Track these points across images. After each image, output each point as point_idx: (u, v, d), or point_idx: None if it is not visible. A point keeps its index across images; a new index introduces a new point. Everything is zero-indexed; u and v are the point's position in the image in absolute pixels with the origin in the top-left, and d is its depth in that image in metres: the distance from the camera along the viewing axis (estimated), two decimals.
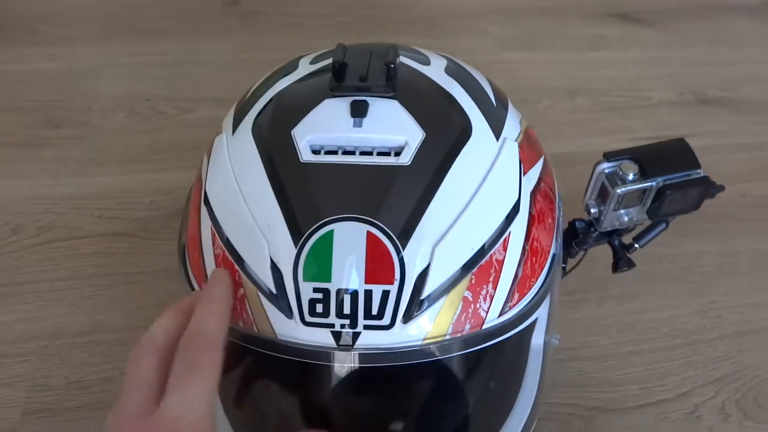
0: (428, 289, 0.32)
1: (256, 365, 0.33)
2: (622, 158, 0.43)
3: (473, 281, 0.33)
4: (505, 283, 0.34)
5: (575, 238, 0.49)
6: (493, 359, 0.39)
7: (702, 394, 0.56)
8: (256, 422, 0.39)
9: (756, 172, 0.74)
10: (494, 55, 0.88)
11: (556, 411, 0.54)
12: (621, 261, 0.50)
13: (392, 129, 0.34)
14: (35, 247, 0.63)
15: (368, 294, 0.32)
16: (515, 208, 0.35)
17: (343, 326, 0.32)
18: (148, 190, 0.68)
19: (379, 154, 0.34)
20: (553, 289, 0.41)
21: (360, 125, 0.35)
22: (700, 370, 0.58)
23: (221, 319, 0.32)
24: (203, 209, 0.37)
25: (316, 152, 0.34)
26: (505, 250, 0.34)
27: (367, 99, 0.35)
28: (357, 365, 0.33)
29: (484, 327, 0.34)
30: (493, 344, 0.34)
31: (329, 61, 0.37)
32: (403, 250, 0.32)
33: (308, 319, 0.32)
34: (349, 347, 0.32)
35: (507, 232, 0.34)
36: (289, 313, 0.33)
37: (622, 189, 0.42)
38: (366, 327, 0.32)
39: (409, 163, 0.33)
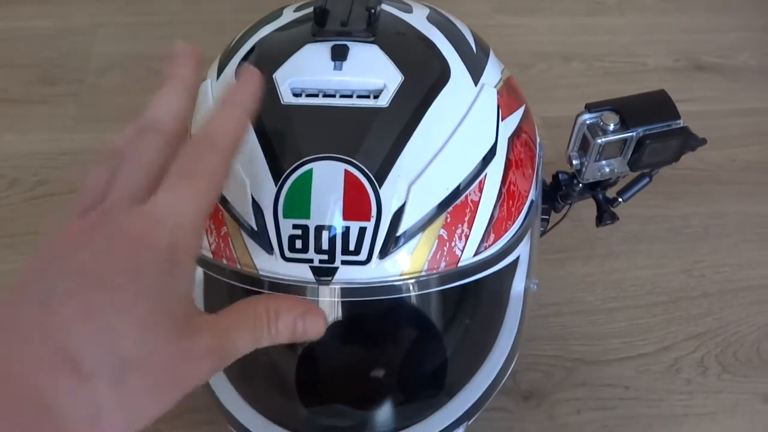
0: (404, 226, 0.33)
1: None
2: (603, 109, 0.44)
3: (448, 220, 0.34)
4: (480, 224, 0.35)
5: (559, 190, 0.50)
6: (470, 299, 0.40)
7: (682, 349, 0.57)
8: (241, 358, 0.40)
9: (746, 137, 0.75)
10: (489, 18, 0.89)
11: (539, 362, 0.56)
12: (605, 214, 0.51)
13: (371, 72, 0.35)
14: (31, 201, 0.64)
15: (346, 230, 0.33)
16: (492, 152, 0.36)
17: (321, 261, 0.33)
18: None
19: (359, 96, 0.35)
20: (533, 235, 0.42)
21: (340, 69, 0.35)
22: (682, 326, 0.59)
23: (236, 126, 0.28)
24: None
25: (297, 95, 0.35)
26: (480, 191, 0.35)
27: (348, 43, 0.36)
28: (335, 299, 0.34)
29: (460, 265, 0.35)
30: (468, 283, 0.35)
31: (312, 9, 0.38)
32: (380, 188, 0.33)
33: (288, 254, 0.33)
34: (327, 282, 0.33)
35: (483, 174, 0.35)
36: (269, 249, 0.34)
37: (603, 139, 0.43)
38: (344, 262, 0.33)
39: (387, 105, 0.34)
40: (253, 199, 0.34)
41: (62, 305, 0.24)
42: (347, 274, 0.33)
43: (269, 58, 0.37)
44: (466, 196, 0.34)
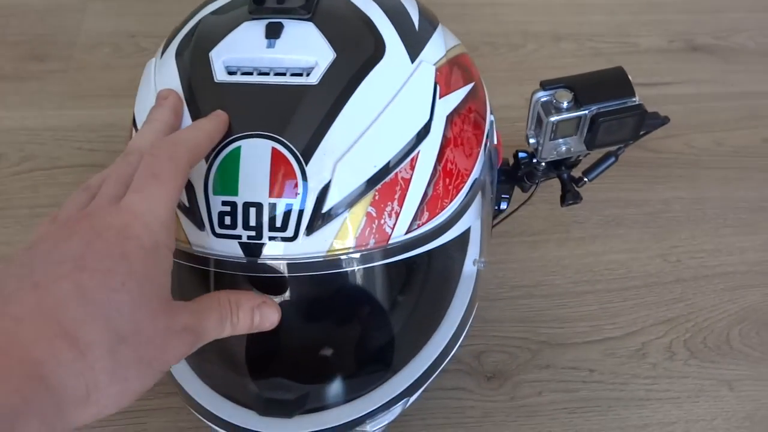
0: (330, 203, 0.33)
1: (177, 277, 0.34)
2: (557, 86, 0.43)
3: (377, 197, 0.34)
4: (412, 201, 0.35)
5: (519, 168, 0.49)
6: (413, 276, 0.40)
7: (651, 333, 0.57)
8: None
9: (736, 121, 0.73)
10: None
11: (504, 344, 0.56)
12: (568, 194, 0.50)
13: (304, 50, 0.35)
14: (16, 176, 0.66)
15: (272, 207, 0.33)
16: (426, 129, 0.36)
17: (250, 237, 0.34)
18: (128, 124, 0.70)
19: (293, 74, 0.35)
20: (483, 213, 0.42)
21: (273, 46, 0.35)
22: (652, 311, 0.58)
23: (199, 143, 0.32)
24: (132, 131, 0.38)
25: (232, 73, 0.35)
26: (412, 169, 0.35)
27: (283, 21, 0.36)
28: (264, 275, 0.34)
29: (390, 242, 0.35)
30: (400, 260, 0.36)
31: None
32: (306, 165, 0.33)
33: (218, 230, 0.34)
34: (255, 257, 0.34)
35: (416, 152, 0.35)
36: (201, 225, 0.34)
37: (555, 117, 0.43)
38: (271, 239, 0.33)
39: (317, 82, 0.34)
40: None
41: (56, 285, 0.26)
42: (275, 250, 0.34)
43: (208, 36, 0.37)
44: (396, 174, 0.34)
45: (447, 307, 0.43)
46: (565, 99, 0.42)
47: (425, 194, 0.36)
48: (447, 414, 0.51)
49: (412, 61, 0.37)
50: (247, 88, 0.35)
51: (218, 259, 0.34)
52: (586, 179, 0.51)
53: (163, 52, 0.39)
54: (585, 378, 0.54)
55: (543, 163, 0.48)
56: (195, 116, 0.35)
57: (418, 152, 0.35)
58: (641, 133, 0.49)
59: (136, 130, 0.38)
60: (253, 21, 0.37)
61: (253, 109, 0.34)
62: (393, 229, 0.35)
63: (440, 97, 0.37)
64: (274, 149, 0.33)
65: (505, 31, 0.83)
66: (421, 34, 0.39)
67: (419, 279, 0.41)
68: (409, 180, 0.35)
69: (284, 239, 0.33)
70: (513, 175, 0.50)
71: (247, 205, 0.33)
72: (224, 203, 0.34)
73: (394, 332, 0.42)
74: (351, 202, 0.34)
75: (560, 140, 0.45)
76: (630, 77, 0.44)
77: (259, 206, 0.33)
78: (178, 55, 0.37)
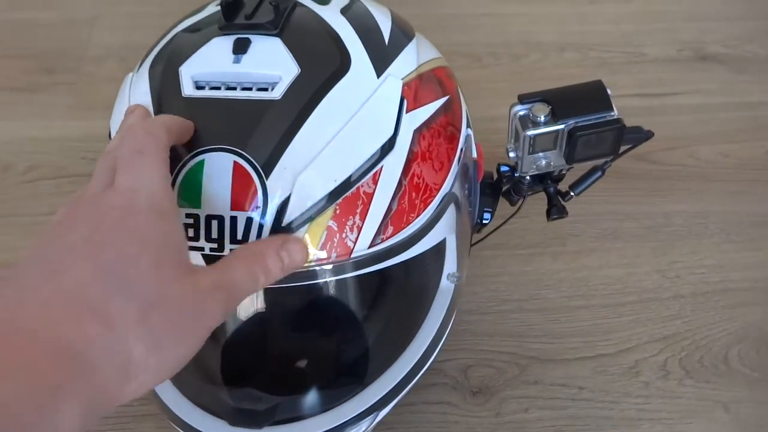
0: (289, 217, 0.33)
1: None
2: (534, 100, 0.43)
3: (338, 211, 0.34)
4: (375, 216, 0.35)
5: (502, 182, 0.49)
6: (381, 289, 0.40)
7: (645, 351, 0.55)
8: None
9: (743, 132, 0.71)
10: (485, 7, 0.87)
11: (493, 358, 0.55)
12: (553, 209, 0.50)
13: (269, 65, 0.36)
14: (22, 184, 0.68)
15: (233, 220, 0.33)
16: (390, 143, 0.36)
17: (212, 249, 0.34)
18: None
19: (259, 89, 0.35)
20: (459, 228, 0.41)
21: (239, 62, 0.36)
22: (648, 327, 0.57)
23: (169, 124, 0.33)
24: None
25: (201, 88, 0.36)
26: (375, 183, 0.35)
27: (251, 37, 0.37)
28: None
29: (353, 256, 0.35)
30: (363, 274, 0.36)
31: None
32: (267, 179, 0.33)
33: None
34: None
35: (379, 166, 0.35)
36: None
37: (532, 132, 0.42)
38: (232, 251, 0.34)
39: (280, 97, 0.35)
40: None
41: (75, 267, 0.26)
42: None
43: (179, 51, 0.38)
44: (359, 188, 0.34)
45: (421, 321, 0.43)
46: (542, 113, 0.42)
47: (389, 208, 0.36)
48: (430, 429, 0.51)
49: (379, 75, 0.37)
50: (212, 102, 0.35)
51: None
52: (572, 193, 0.50)
53: (139, 67, 0.40)
54: (574, 395, 0.53)
55: (527, 177, 0.47)
56: None
57: (382, 167, 0.35)
58: (627, 147, 0.48)
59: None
60: (222, 36, 0.37)
61: (218, 123, 0.35)
62: (355, 243, 0.35)
63: (407, 111, 0.37)
64: (235, 163, 0.33)
65: (508, 41, 0.83)
66: (391, 49, 0.39)
67: (390, 292, 0.41)
68: (372, 194, 0.35)
69: None
70: (497, 188, 0.49)
71: (209, 218, 0.34)
72: (188, 215, 0.34)
73: (365, 345, 0.42)
74: (311, 216, 0.34)
75: (540, 154, 0.44)
76: (609, 91, 0.43)
77: (220, 219, 0.34)
78: (151, 69, 0.38)
